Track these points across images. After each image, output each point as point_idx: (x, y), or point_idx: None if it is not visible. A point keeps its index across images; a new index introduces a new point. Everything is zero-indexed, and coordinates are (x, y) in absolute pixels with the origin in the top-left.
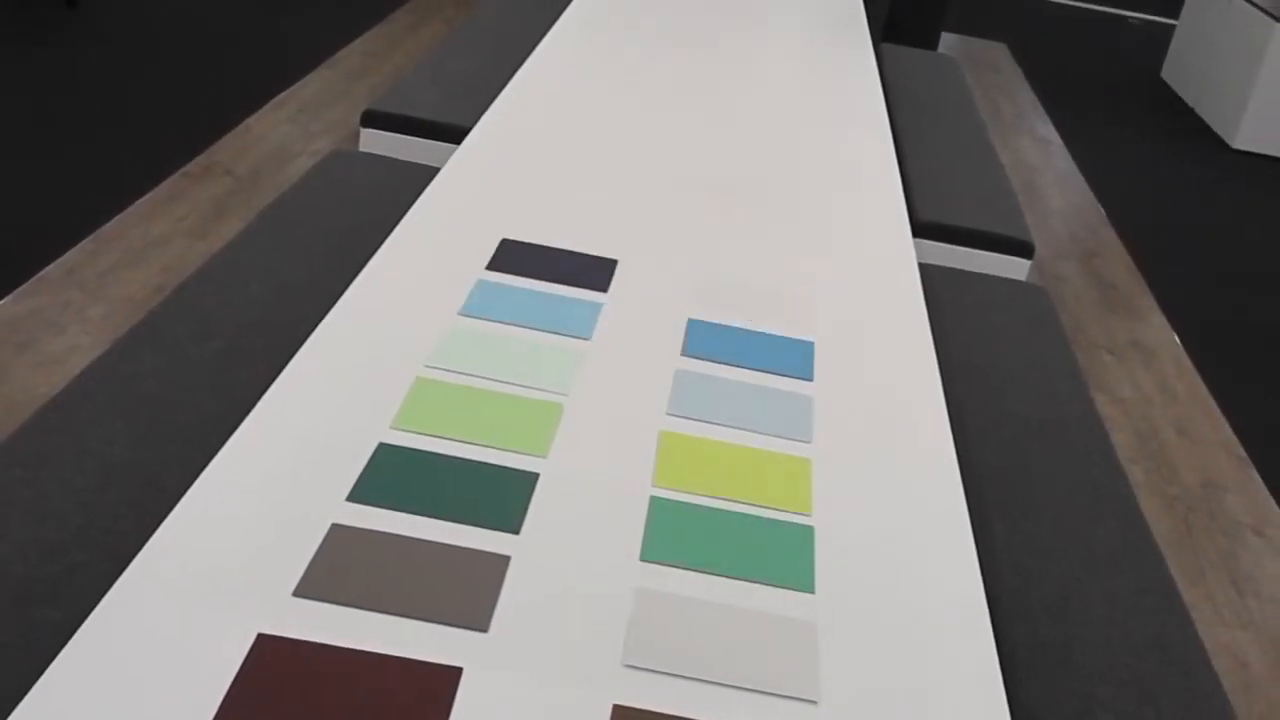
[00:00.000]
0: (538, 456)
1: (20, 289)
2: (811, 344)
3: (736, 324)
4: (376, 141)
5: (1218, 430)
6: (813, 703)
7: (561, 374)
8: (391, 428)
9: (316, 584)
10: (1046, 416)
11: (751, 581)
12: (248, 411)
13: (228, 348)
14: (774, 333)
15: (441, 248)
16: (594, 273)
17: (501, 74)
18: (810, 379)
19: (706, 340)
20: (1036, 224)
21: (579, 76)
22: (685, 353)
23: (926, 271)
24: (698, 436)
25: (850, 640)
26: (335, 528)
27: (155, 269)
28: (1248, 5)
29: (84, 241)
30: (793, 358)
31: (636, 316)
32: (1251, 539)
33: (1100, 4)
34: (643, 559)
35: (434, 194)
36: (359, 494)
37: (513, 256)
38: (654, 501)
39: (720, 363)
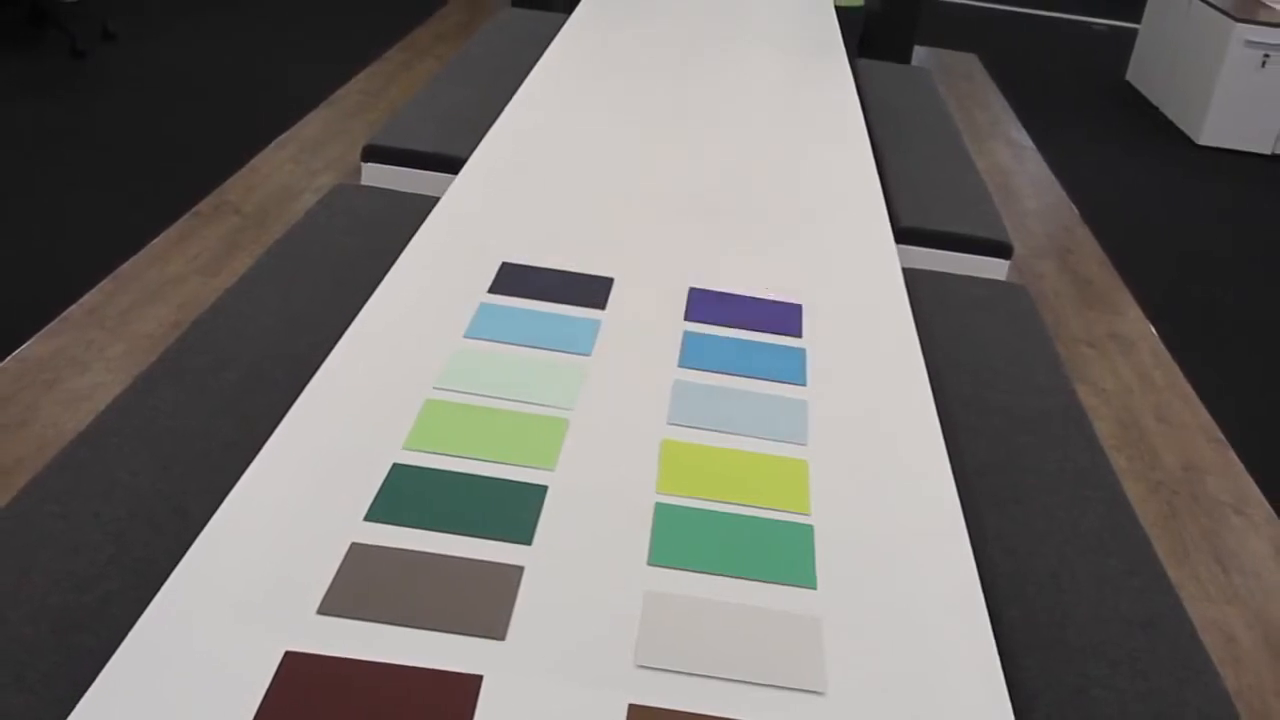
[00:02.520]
0: (546, 470)
1: (45, 330)
2: (803, 350)
3: (730, 334)
4: (377, 175)
5: (1196, 416)
6: (820, 694)
7: (565, 390)
8: (404, 448)
9: (339, 601)
10: (1031, 409)
11: (756, 580)
12: (266, 439)
13: (244, 378)
14: (766, 341)
15: (444, 274)
16: (591, 291)
17: (494, 105)
18: (803, 384)
19: (702, 351)
20: (1013, 225)
21: (568, 104)
22: (682, 364)
23: (910, 275)
24: (698, 444)
25: (853, 632)
26: (355, 546)
27: (172, 306)
28: (1206, 7)
29: (103, 282)
30: (785, 364)
31: (634, 331)
32: (1233, 518)
33: (1065, 12)
34: (650, 563)
35: (434, 223)
36: (376, 513)
37: (513, 279)
38: (659, 508)
39: (716, 372)
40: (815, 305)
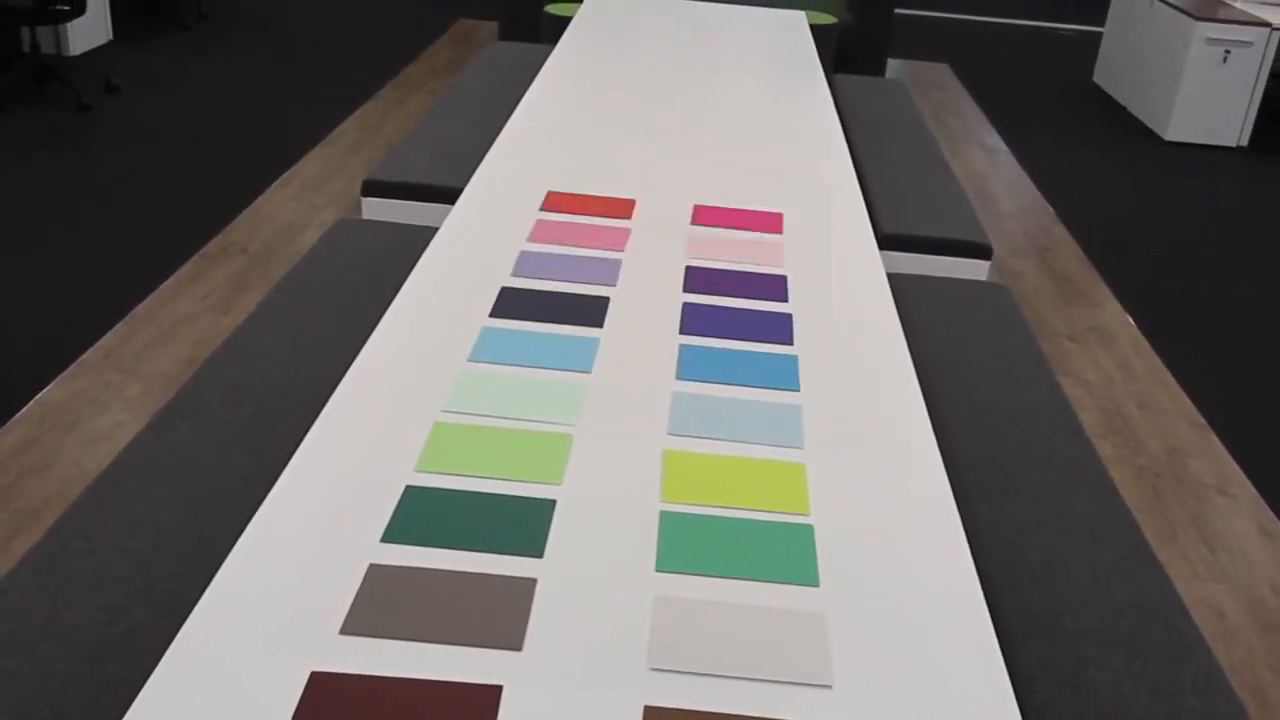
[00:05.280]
0: (553, 484)
1: (64, 374)
2: (795, 357)
3: (724, 345)
4: (377, 209)
5: (1177, 402)
6: (827, 687)
7: (568, 406)
8: (416, 470)
9: (361, 621)
10: (1018, 403)
11: (760, 581)
12: (282, 469)
13: (258, 411)
14: (759, 350)
15: (446, 300)
16: (589, 310)
17: (487, 135)
18: (797, 389)
19: (698, 363)
20: (992, 227)
21: (558, 131)
22: (679, 376)
23: (894, 280)
24: (698, 452)
25: (856, 626)
26: (373, 567)
27: (185, 345)
28: (1167, 7)
29: (118, 326)
30: (779, 371)
31: (632, 347)
32: (1217, 498)
33: (1032, 19)
34: (658, 569)
35: (435, 252)
36: (392, 534)
37: (513, 302)
38: (664, 515)
39: (712, 382)
40: (806, 313)
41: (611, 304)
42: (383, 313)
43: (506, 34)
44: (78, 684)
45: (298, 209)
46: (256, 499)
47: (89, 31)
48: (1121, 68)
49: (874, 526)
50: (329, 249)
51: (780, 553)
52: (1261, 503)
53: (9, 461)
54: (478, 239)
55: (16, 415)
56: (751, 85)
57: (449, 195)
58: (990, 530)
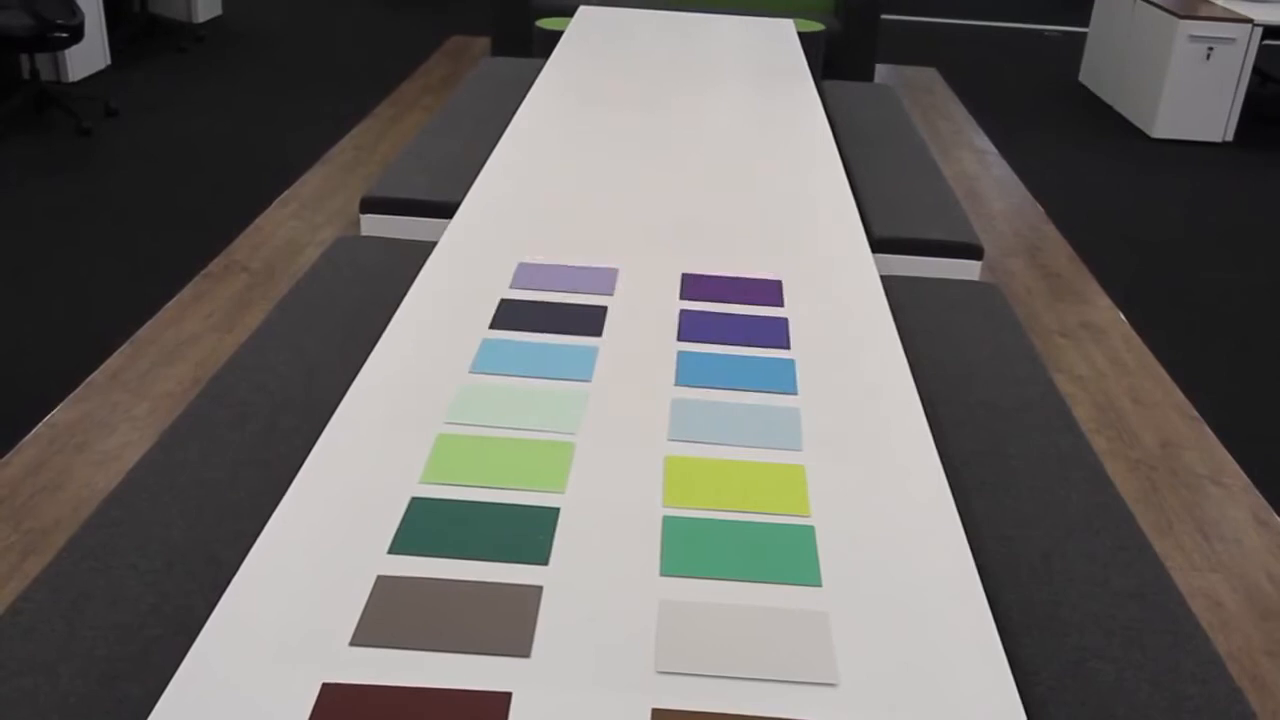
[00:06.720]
0: (556, 492)
1: (71, 396)
2: (793, 361)
3: (722, 351)
4: (376, 225)
5: (1169, 395)
6: (832, 685)
7: (569, 415)
8: (421, 482)
9: (370, 632)
10: (1013, 400)
11: (763, 582)
12: (288, 484)
13: (264, 428)
14: (757, 354)
15: (446, 314)
16: (587, 319)
17: (482, 151)
18: (795, 393)
19: (697, 369)
20: (982, 227)
21: (552, 143)
22: (679, 382)
23: (888, 282)
24: (699, 457)
25: (859, 624)
26: (381, 579)
27: (190, 364)
28: (1151, 6)
29: (123, 347)
30: (777, 376)
31: (631, 355)
32: (1211, 489)
33: (1017, 22)
34: (663, 573)
35: (434, 266)
36: (399, 546)
37: (512, 314)
38: (667, 520)
39: (711, 388)
40: (801, 317)
41: (609, 313)
42: (384, 327)
43: (499, 49)
44: (93, 702)
45: (298, 227)
46: (264, 515)
47: (87, 57)
48: (1107, 67)
49: (874, 526)
50: (330, 266)
51: (782, 554)
52: (1255, 492)
53: (20, 483)
54: (476, 252)
55: (26, 437)
56: (741, 93)
57: (447, 210)
58: (988, 525)
